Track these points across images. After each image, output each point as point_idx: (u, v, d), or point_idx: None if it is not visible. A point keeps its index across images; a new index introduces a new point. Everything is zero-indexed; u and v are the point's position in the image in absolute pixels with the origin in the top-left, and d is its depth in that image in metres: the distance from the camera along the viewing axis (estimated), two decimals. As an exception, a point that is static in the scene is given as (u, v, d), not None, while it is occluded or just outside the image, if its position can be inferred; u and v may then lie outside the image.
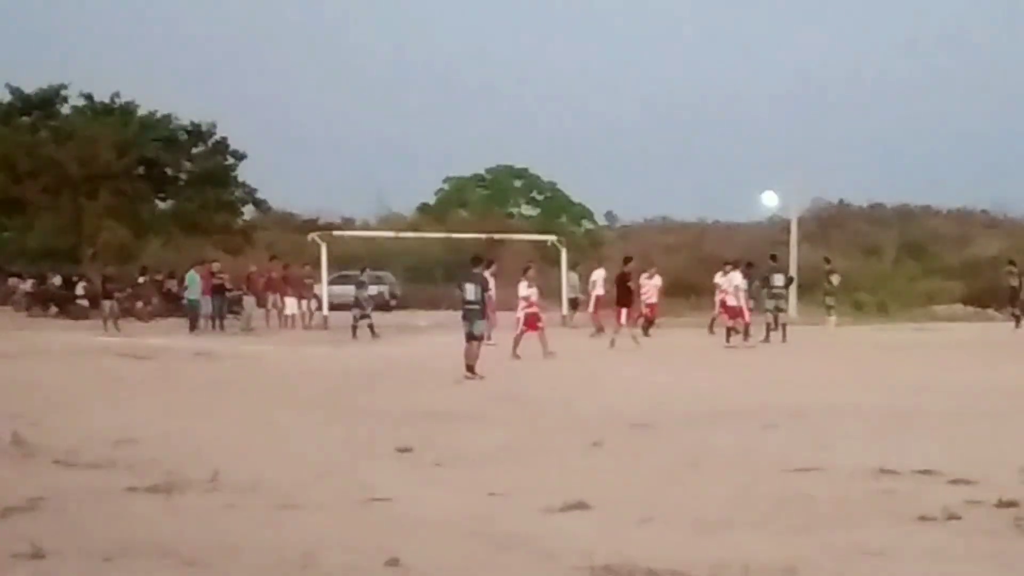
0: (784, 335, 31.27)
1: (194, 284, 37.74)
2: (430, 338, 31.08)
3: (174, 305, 41.78)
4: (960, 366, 23.52)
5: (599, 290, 34.89)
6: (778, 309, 32.18)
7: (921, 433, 13.24)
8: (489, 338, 27.95)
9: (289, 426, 14.49)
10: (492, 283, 24.63)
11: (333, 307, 40.44)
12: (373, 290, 32.52)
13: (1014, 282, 38.11)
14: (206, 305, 37.62)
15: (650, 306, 33.98)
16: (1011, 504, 8.79)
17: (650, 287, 34.40)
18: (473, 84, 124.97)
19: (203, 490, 9.89)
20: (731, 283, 30.61)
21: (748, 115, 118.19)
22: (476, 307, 20.97)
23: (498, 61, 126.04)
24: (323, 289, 40.52)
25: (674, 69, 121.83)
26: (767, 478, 10.36)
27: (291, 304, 39.07)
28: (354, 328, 30.39)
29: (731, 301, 30.43)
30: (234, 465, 11.01)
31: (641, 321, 31.70)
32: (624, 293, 29.28)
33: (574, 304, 39.78)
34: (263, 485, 10.07)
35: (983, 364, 23.64)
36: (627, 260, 30.99)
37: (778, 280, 32.81)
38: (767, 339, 30.96)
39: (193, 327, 36.81)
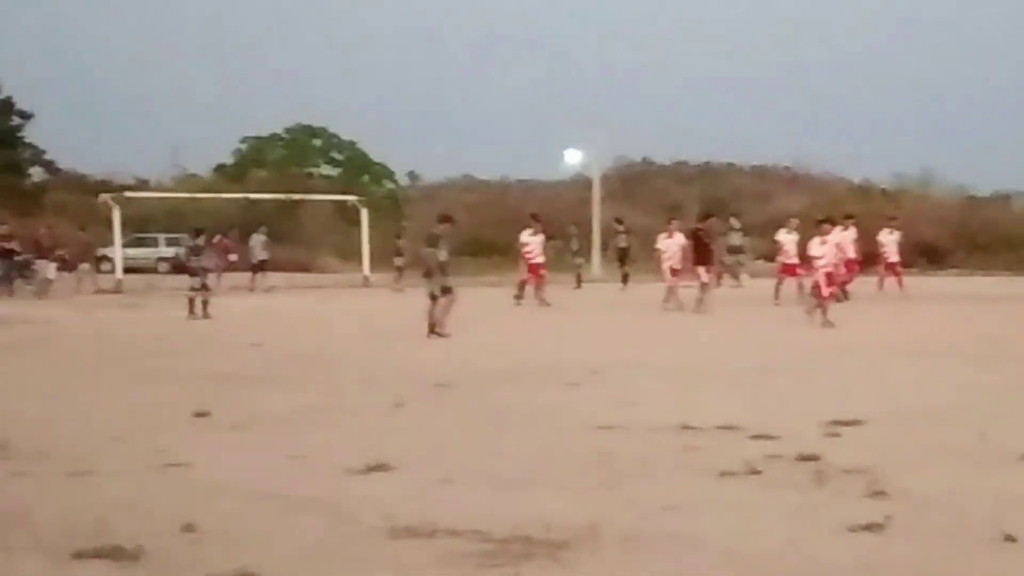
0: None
1: (-19, 247, 36.55)
2: (230, 301, 30.55)
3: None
4: (759, 323, 23.98)
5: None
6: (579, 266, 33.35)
7: (722, 390, 13.48)
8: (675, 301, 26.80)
9: (82, 391, 14.14)
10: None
11: (127, 270, 39.80)
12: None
13: (623, 243, 38.69)
14: (-6, 269, 36.55)
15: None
16: (811, 458, 8.96)
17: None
18: (268, 40, 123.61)
19: (-10, 458, 9.55)
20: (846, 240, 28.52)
21: (552, 73, 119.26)
22: None
23: (293, 15, 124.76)
24: (117, 252, 39.77)
25: (474, 26, 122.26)
26: (569, 436, 10.39)
27: (50, 269, 38.05)
28: (191, 302, 27.96)
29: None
30: (24, 432, 10.74)
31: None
32: (702, 250, 27.56)
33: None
34: (55, 452, 9.80)
35: (781, 321, 24.12)
36: (707, 216, 29.66)
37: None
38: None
39: (-21, 291, 35.66)
